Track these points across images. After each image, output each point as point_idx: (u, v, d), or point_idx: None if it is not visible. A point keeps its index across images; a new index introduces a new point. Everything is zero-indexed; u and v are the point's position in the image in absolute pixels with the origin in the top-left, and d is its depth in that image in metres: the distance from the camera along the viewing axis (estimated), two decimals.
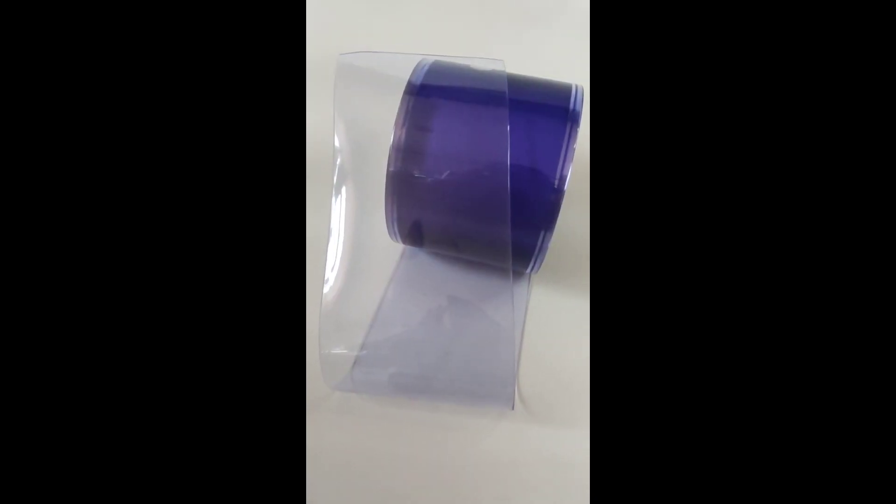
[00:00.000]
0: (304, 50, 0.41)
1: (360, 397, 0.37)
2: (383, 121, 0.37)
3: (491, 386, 0.37)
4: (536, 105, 0.37)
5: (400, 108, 0.36)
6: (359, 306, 0.41)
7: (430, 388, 0.38)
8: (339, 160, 0.39)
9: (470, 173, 0.36)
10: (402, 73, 0.38)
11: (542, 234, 0.37)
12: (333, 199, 0.40)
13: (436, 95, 0.37)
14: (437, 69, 0.39)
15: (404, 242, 0.42)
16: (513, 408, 0.36)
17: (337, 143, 0.39)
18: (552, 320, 0.42)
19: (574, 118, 0.36)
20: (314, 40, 0.48)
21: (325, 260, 0.39)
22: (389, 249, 0.45)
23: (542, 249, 0.38)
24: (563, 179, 0.35)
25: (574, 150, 0.35)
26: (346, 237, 0.41)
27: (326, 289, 0.39)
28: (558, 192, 0.35)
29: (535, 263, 0.39)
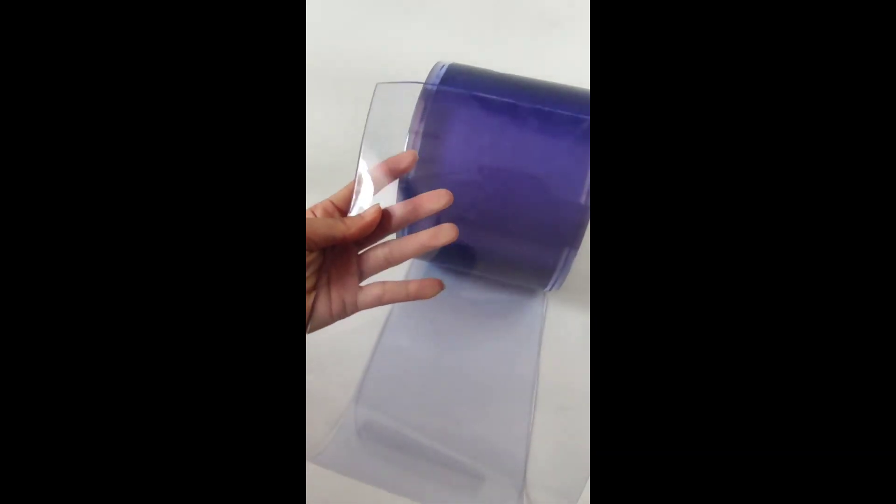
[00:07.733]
0: (304, 51, 0.38)
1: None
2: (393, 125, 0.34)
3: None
4: (560, 114, 0.34)
5: (415, 114, 0.34)
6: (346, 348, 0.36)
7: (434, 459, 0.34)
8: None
9: (488, 184, 0.33)
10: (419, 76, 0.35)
11: (565, 251, 0.34)
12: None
13: (452, 101, 0.34)
14: (453, 74, 0.36)
15: None
16: None
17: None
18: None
19: None
20: (314, 43, 0.45)
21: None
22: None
23: (565, 268, 0.35)
24: (590, 193, 0.32)
25: None
26: None
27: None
28: (585, 208, 0.32)
29: (555, 281, 0.37)
